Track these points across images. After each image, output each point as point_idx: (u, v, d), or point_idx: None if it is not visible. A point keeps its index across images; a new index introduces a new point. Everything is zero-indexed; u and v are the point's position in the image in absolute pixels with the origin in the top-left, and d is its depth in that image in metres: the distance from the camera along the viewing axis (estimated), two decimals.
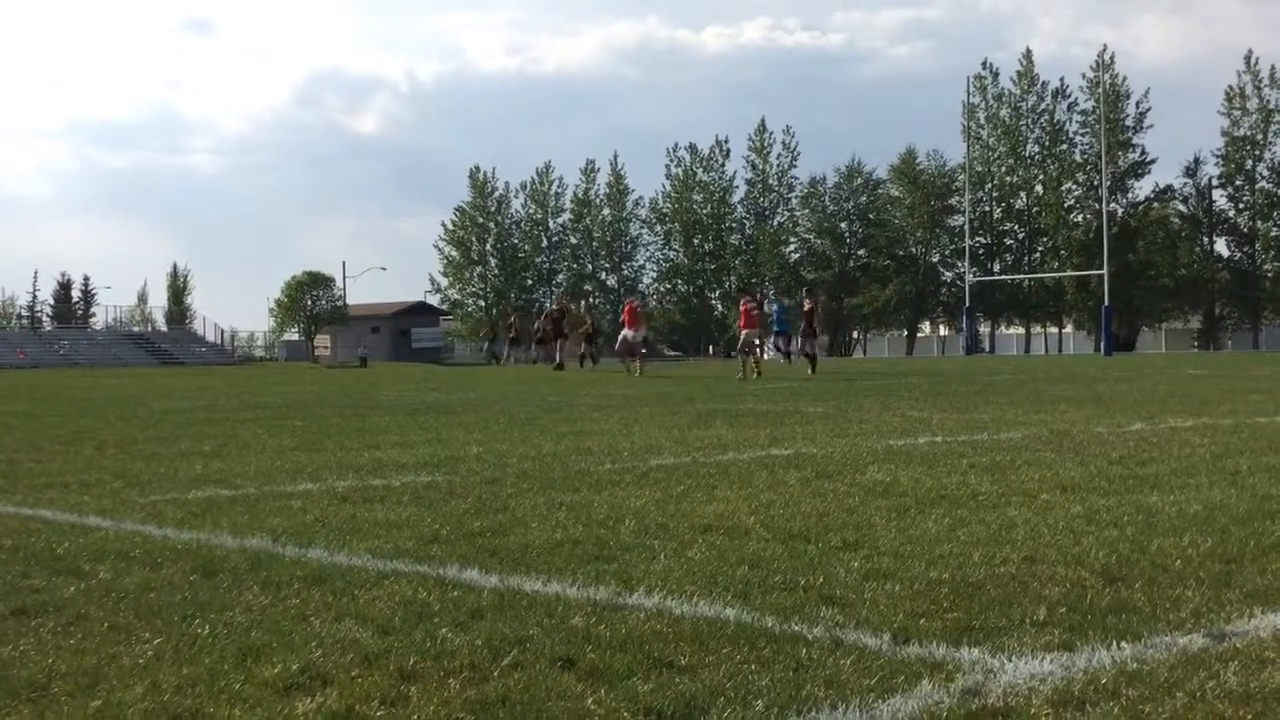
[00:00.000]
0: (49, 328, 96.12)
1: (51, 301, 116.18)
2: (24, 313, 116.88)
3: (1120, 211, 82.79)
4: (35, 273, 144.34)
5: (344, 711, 3.03)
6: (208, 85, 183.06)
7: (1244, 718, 2.93)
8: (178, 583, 4.55)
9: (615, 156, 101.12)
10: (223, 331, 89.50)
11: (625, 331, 31.90)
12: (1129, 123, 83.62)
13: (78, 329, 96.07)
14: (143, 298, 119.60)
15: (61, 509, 6.55)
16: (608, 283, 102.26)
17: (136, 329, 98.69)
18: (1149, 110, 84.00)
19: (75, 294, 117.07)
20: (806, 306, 34.42)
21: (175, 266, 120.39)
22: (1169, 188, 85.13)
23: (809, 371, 29.31)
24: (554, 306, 38.91)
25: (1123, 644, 3.53)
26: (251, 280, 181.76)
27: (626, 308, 33.31)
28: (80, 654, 3.56)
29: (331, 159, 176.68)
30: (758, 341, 30.86)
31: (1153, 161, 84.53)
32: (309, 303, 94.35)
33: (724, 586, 4.33)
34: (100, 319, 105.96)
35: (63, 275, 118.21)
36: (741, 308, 31.64)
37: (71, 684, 3.28)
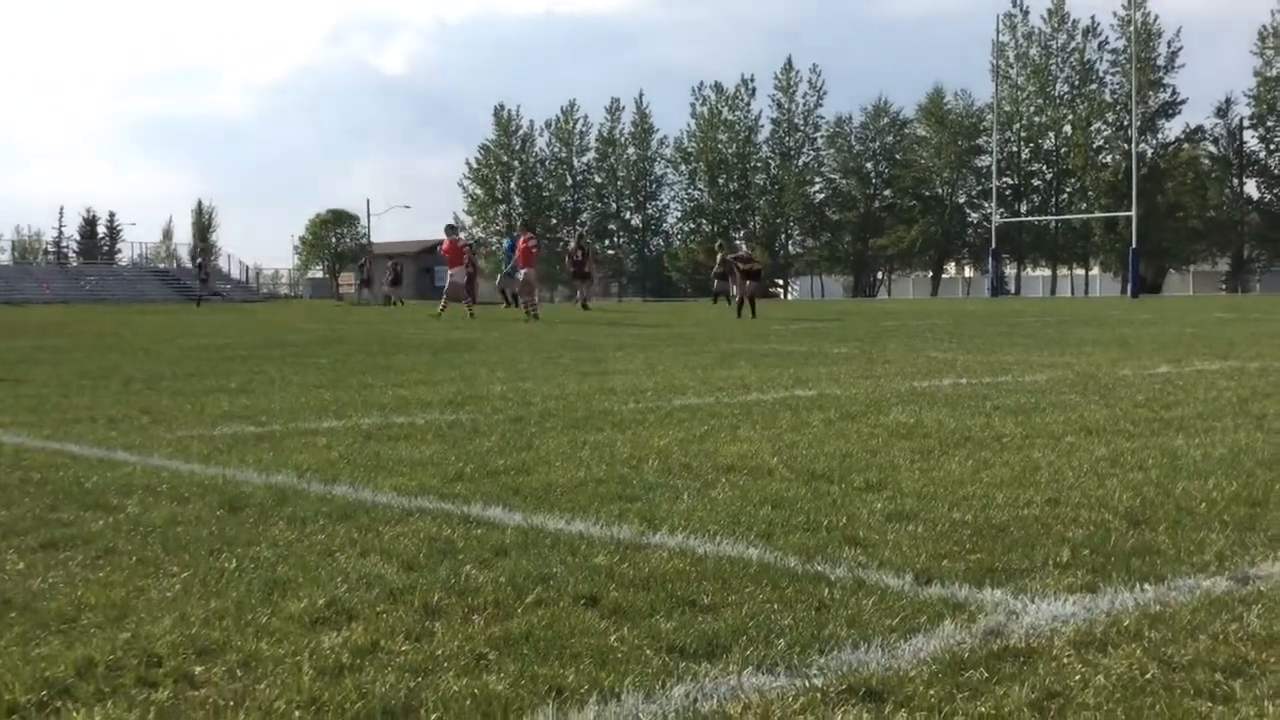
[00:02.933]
0: (75, 264, 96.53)
1: (78, 238, 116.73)
2: (50, 248, 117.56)
3: (1150, 152, 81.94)
4: (61, 209, 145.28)
5: (369, 646, 3.06)
6: (236, 27, 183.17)
7: (1267, 660, 2.93)
8: (204, 517, 4.59)
9: (640, 95, 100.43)
10: (247, 269, 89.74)
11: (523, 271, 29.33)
12: (1160, 62, 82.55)
13: (103, 265, 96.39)
14: (168, 234, 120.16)
15: (89, 444, 6.60)
16: (632, 222, 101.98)
17: (162, 266, 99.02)
18: (1180, 49, 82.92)
19: (101, 230, 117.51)
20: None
21: (200, 203, 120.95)
22: (1199, 128, 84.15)
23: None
24: (574, 246, 37.98)
25: (1146, 586, 3.53)
26: (280, 221, 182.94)
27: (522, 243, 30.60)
28: (109, 587, 3.60)
29: (358, 99, 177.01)
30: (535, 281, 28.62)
31: (1183, 102, 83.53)
32: (333, 240, 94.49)
33: (747, 526, 4.34)
34: (126, 255, 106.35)
35: (88, 211, 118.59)
36: (521, 244, 29.51)
37: (100, 616, 3.32)
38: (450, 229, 33.77)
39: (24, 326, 26.18)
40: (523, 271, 28.86)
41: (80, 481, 5.35)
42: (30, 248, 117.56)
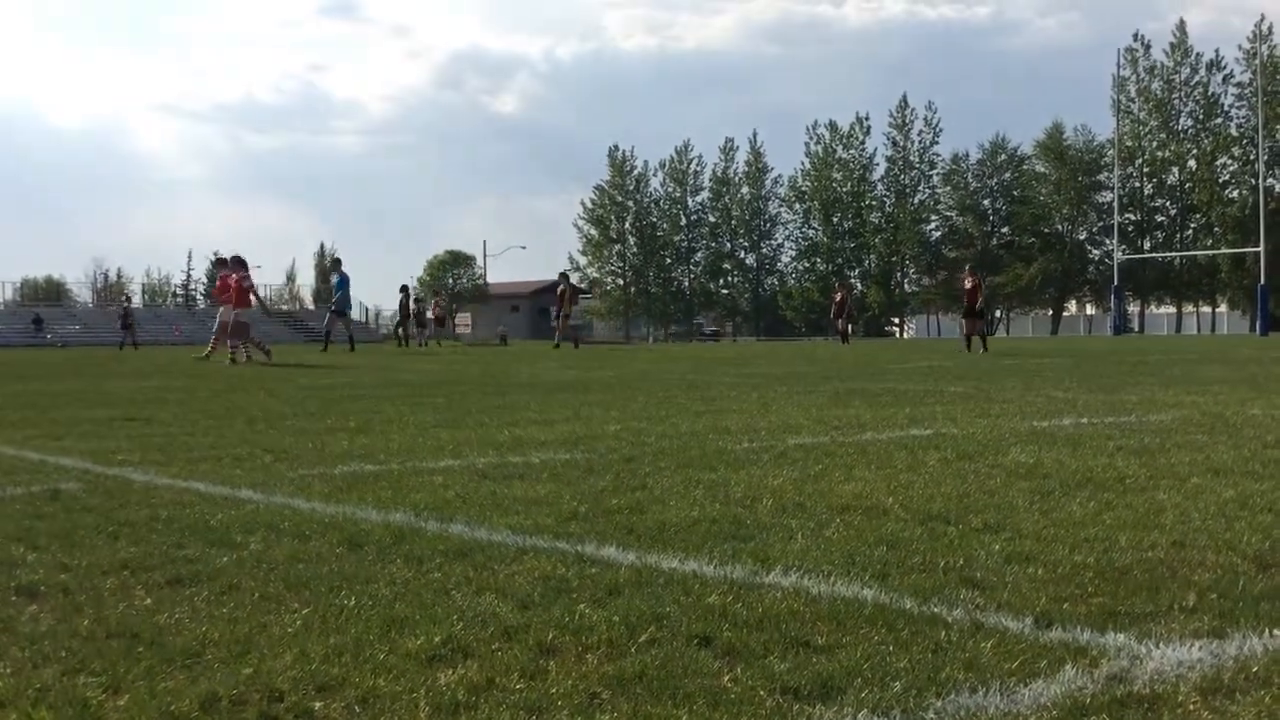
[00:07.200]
0: (203, 305, 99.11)
1: (205, 280, 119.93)
2: (179, 291, 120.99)
3: (1278, 187, 79.96)
4: (189, 252, 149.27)
5: (485, 683, 3.08)
6: (353, 67, 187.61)
7: None
8: (325, 555, 4.67)
9: (754, 134, 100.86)
10: (366, 310, 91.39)
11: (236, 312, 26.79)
12: None
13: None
14: (291, 277, 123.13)
15: (214, 481, 6.75)
16: (746, 261, 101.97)
17: (285, 307, 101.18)
18: None
19: None
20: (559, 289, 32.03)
21: (322, 246, 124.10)
22: None
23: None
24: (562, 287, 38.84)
25: (1276, 632, 3.43)
26: (395, 259, 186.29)
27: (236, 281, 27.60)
28: (232, 622, 3.67)
29: (473, 139, 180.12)
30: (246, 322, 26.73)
31: None
32: (450, 281, 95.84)
33: (862, 567, 4.30)
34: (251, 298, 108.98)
35: (215, 254, 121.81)
36: (233, 282, 27.18)
37: (224, 651, 3.38)
38: (220, 262, 30.69)
39: (154, 367, 26.89)
40: (235, 311, 26.91)
41: (206, 519, 5.47)
42: (160, 291, 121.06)
